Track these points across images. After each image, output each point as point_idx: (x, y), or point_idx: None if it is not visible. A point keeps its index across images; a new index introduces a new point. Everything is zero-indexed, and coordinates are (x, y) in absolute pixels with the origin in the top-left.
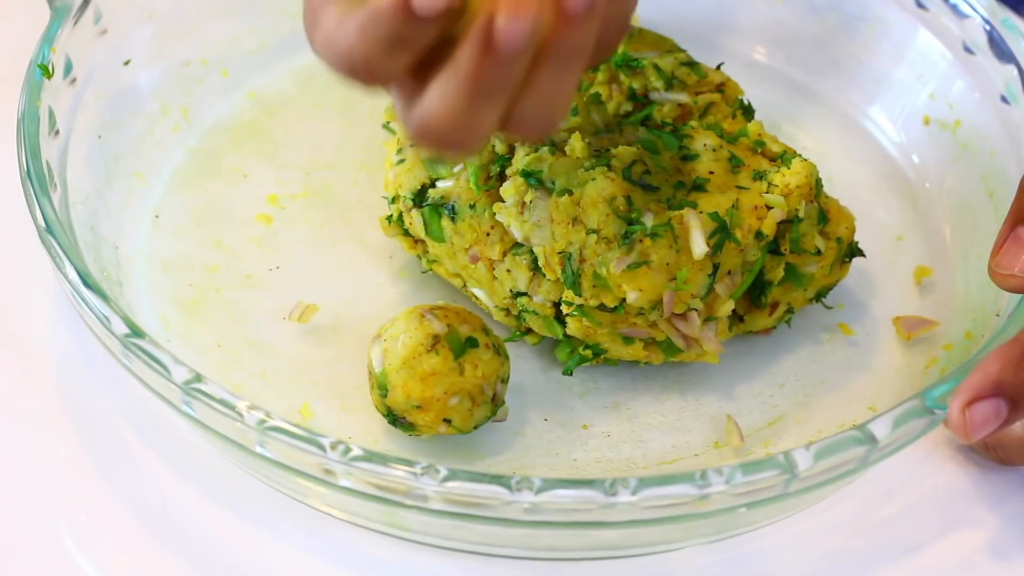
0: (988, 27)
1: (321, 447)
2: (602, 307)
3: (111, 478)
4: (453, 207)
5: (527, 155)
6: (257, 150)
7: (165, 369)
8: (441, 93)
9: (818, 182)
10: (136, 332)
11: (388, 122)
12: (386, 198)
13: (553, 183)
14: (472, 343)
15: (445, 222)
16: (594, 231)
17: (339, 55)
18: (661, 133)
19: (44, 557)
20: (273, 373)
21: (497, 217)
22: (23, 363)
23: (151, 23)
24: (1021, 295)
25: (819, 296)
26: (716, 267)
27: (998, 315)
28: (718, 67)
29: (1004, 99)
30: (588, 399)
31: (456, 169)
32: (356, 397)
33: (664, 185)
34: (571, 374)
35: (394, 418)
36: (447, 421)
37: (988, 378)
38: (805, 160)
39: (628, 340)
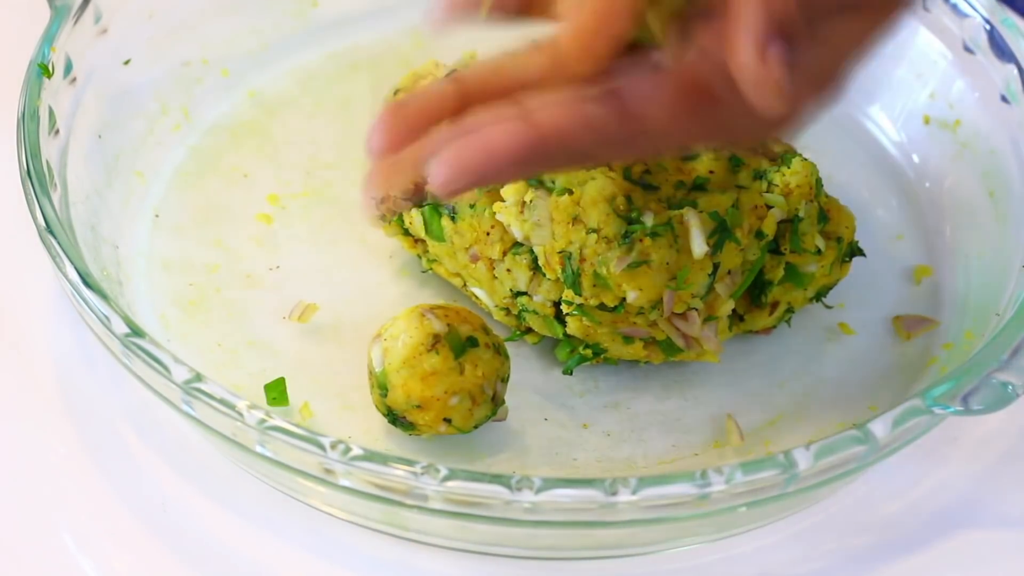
0: (988, 27)
1: (321, 446)
2: (602, 306)
3: (111, 478)
4: (453, 206)
5: None
6: (257, 150)
7: (165, 368)
8: None
9: (818, 181)
10: (136, 331)
11: None
12: None
13: (553, 182)
14: (472, 343)
15: (445, 221)
16: (594, 230)
17: None
18: None
19: (44, 557)
20: (273, 373)
21: (497, 216)
22: (23, 363)
23: (151, 23)
24: (1022, 299)
25: (819, 296)
26: (716, 267)
27: (998, 315)
28: None
29: (1004, 98)
30: (588, 399)
31: None
32: (356, 397)
33: (664, 184)
34: (571, 373)
35: (394, 417)
36: (447, 420)
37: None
38: (805, 160)
39: (628, 339)
